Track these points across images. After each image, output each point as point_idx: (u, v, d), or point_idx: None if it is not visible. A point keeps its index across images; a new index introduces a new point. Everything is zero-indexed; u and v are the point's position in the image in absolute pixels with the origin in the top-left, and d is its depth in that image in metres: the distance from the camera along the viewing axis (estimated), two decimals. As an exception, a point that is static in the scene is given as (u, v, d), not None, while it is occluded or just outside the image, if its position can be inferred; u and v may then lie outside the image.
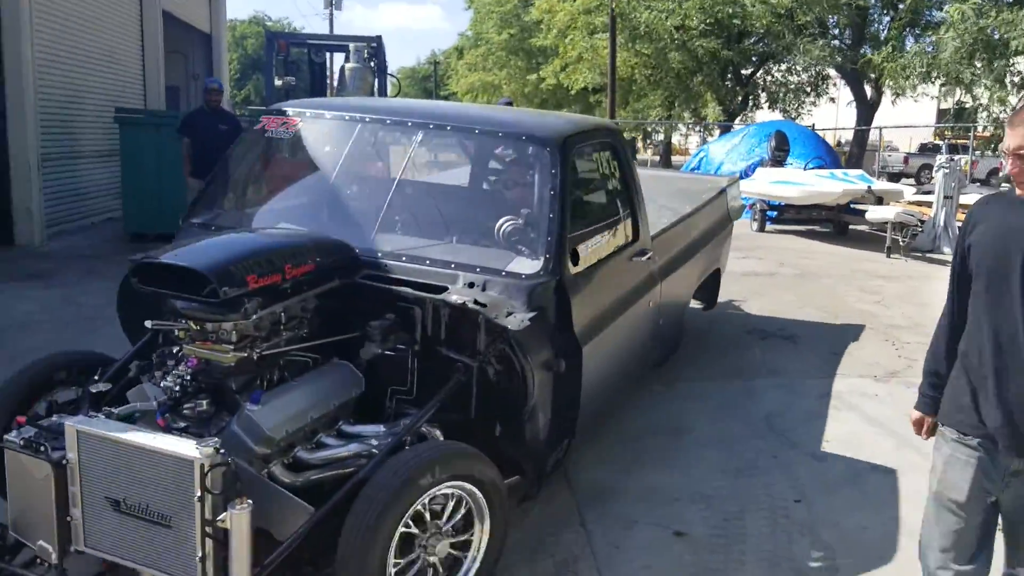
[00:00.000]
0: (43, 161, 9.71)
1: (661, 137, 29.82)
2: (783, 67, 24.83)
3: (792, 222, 12.92)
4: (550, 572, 3.31)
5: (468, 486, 2.81)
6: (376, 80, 12.28)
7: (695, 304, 6.17)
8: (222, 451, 2.47)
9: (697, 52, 22.47)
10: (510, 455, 3.22)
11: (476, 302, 3.05)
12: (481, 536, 2.92)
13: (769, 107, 25.84)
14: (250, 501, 2.44)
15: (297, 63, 13.39)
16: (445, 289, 3.17)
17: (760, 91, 25.85)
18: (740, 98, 25.27)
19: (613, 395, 4.14)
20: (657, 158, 29.90)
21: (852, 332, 7.00)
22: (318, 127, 4.09)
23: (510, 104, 9.92)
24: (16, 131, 9.28)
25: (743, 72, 25.46)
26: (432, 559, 2.78)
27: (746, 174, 13.54)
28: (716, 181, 7.01)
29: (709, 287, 6.27)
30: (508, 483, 3.10)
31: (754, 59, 24.94)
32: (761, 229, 12.88)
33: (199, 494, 2.41)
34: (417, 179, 4.07)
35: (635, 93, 26.39)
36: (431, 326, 3.20)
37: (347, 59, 12.34)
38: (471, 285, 3.19)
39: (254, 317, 2.84)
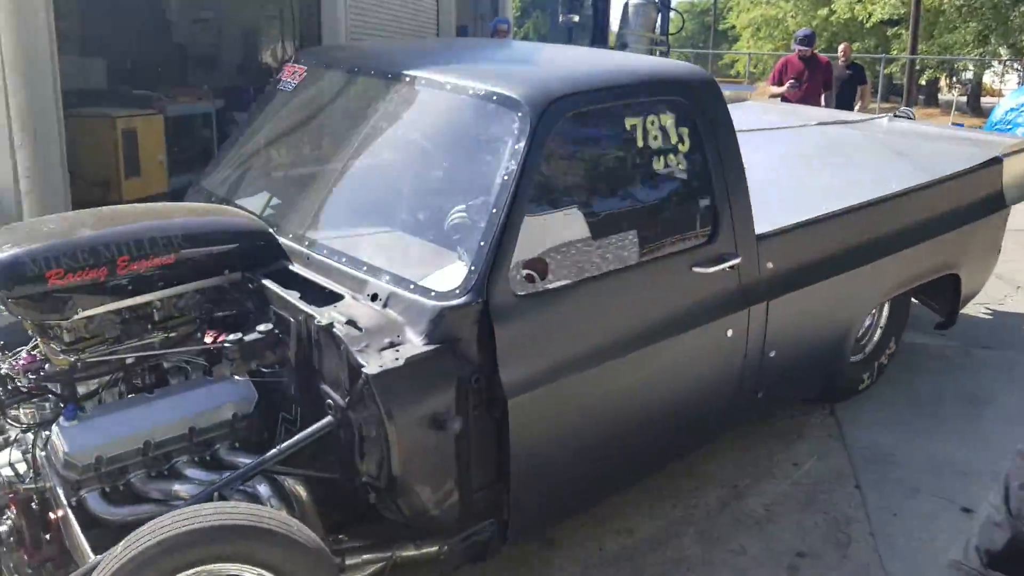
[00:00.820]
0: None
1: (970, 76, 26.65)
2: None
3: None
4: (820, 529, 3.22)
5: (253, 567, 2.09)
6: (659, 16, 12.05)
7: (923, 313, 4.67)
8: None
9: (1023, -24, 19.65)
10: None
11: (351, 323, 2.36)
12: None
13: (1113, 41, 22.08)
14: None
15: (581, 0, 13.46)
16: (340, 299, 2.52)
17: (1102, 22, 22.13)
18: (1075, 31, 21.83)
19: (624, 464, 2.98)
20: (964, 99, 26.84)
21: None
22: (309, 78, 3.41)
23: (810, 37, 8.62)
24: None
25: (1082, 0, 21.90)
26: None
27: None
28: (992, 143, 4.78)
29: (942, 297, 4.43)
30: (422, 554, 2.51)
31: (1098, -17, 21.34)
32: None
33: None
34: (379, 145, 3.16)
35: (942, 26, 23.63)
36: (306, 347, 2.49)
37: (631, -6, 12.20)
38: (374, 297, 2.47)
39: (76, 316, 2.44)
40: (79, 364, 2.49)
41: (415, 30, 13.05)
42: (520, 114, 2.55)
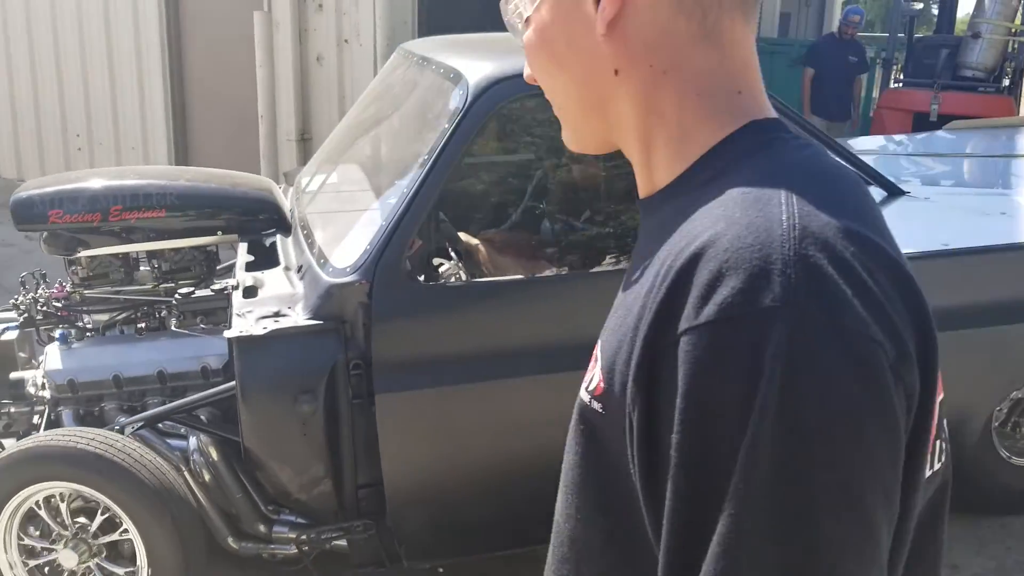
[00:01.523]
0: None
1: None
2: None
3: None
4: None
5: (102, 497, 2.31)
6: (1021, 4, 10.61)
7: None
8: None
9: None
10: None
11: (254, 288, 2.46)
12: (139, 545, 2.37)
13: None
14: None
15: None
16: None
17: None
18: None
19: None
20: None
21: None
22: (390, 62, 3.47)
23: None
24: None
25: None
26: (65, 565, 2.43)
27: None
28: None
29: None
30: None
31: None
32: None
33: None
34: (379, 122, 3.27)
35: None
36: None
37: (989, -21, 10.87)
38: (299, 269, 2.53)
39: (78, 255, 2.81)
40: (77, 297, 2.85)
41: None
42: (460, 92, 2.39)
